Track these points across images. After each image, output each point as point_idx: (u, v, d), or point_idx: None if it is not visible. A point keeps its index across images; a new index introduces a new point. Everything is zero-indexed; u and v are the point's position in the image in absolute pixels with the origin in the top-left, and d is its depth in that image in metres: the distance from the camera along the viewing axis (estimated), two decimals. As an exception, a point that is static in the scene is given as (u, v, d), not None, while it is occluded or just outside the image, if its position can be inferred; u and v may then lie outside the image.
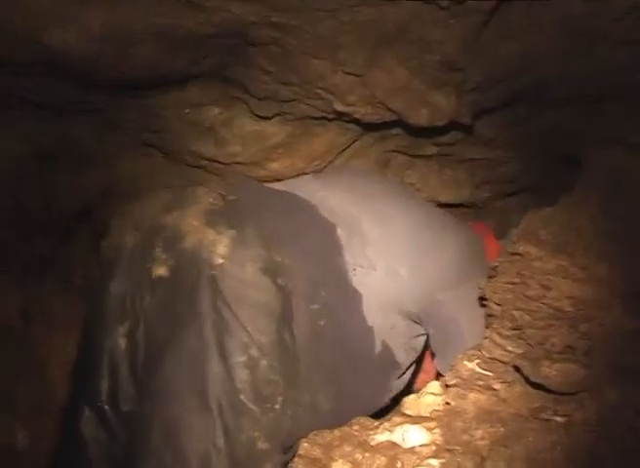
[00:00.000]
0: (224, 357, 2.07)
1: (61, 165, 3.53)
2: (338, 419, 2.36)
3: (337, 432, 2.28)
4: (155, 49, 2.61)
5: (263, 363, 2.11)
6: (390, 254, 2.66)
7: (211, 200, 2.38)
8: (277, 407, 2.13)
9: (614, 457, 1.89)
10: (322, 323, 2.39)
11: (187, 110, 3.27)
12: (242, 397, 2.07)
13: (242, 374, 2.07)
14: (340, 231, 2.60)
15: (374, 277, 2.59)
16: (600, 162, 2.55)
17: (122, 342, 2.22)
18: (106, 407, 2.19)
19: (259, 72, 2.92)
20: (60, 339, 3.28)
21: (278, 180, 3.65)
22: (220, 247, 2.20)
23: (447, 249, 2.81)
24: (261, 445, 2.09)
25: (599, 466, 1.88)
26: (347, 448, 2.17)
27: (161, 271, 2.22)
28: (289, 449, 2.22)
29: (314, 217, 2.62)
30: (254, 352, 2.10)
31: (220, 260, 2.18)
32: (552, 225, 2.36)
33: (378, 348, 2.59)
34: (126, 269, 2.28)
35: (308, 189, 2.82)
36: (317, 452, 2.20)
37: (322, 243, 2.55)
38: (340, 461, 2.13)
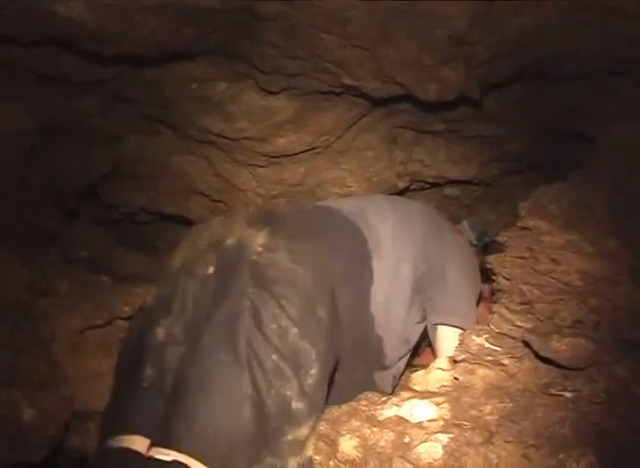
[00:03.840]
0: (258, 324, 2.18)
1: (66, 141, 3.53)
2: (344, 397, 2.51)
3: (344, 407, 2.29)
4: (161, 22, 2.60)
5: (294, 330, 2.21)
6: (388, 237, 2.91)
7: (251, 211, 2.71)
8: (313, 372, 2.20)
9: (622, 432, 1.89)
10: (355, 302, 2.63)
11: (194, 85, 3.26)
12: (274, 357, 2.15)
13: (274, 340, 2.17)
14: (360, 225, 2.82)
15: (385, 263, 2.80)
16: (610, 138, 2.54)
17: (161, 333, 2.38)
18: (150, 391, 2.32)
19: (266, 47, 2.90)
20: (64, 313, 3.28)
21: (285, 156, 3.66)
22: (258, 238, 2.38)
23: (417, 210, 3.15)
24: (296, 404, 2.14)
25: (607, 441, 1.88)
26: (355, 423, 2.17)
27: (209, 270, 2.40)
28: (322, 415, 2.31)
29: (336, 216, 2.86)
30: (284, 322, 2.21)
31: (260, 248, 2.35)
32: (562, 200, 2.35)
33: (373, 336, 2.77)
34: (173, 278, 2.48)
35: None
36: (325, 428, 2.21)
37: (346, 236, 2.79)
38: (348, 436, 2.14)
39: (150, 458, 2.05)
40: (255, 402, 2.09)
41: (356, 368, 2.70)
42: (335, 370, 2.40)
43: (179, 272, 2.49)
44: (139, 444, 2.25)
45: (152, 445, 2.13)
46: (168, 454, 2.01)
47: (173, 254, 2.62)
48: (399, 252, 2.86)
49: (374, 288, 2.74)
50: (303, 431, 2.13)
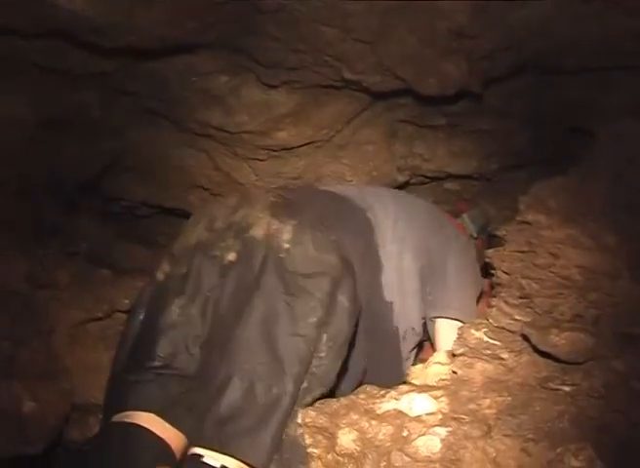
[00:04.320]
0: (295, 321, 2.26)
1: (68, 133, 3.52)
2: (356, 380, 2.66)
3: (343, 400, 2.28)
4: (163, 15, 2.59)
5: (324, 320, 2.29)
6: (391, 228, 2.96)
7: (271, 198, 2.67)
8: (322, 355, 2.29)
9: (621, 426, 1.89)
10: (369, 291, 2.72)
11: (195, 78, 3.25)
12: (311, 349, 2.25)
13: (312, 333, 2.25)
14: (369, 214, 2.92)
15: (390, 254, 2.88)
16: (611, 132, 2.53)
17: (175, 312, 2.43)
18: (162, 370, 2.39)
19: (267, 40, 2.89)
20: (64, 306, 3.29)
21: (285, 150, 3.66)
22: (284, 234, 2.43)
23: (419, 205, 3.23)
24: (304, 385, 2.26)
25: (606, 435, 1.88)
26: (354, 417, 2.17)
27: (230, 257, 2.45)
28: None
29: (346, 203, 2.97)
30: (320, 314, 2.28)
31: (287, 245, 2.40)
32: (562, 194, 2.35)
33: (395, 323, 2.86)
34: (188, 256, 2.52)
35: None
36: (323, 421, 2.20)
37: (360, 224, 2.88)
38: (347, 429, 2.13)
39: (195, 460, 2.11)
40: (294, 397, 2.19)
41: (378, 355, 2.79)
42: (349, 353, 2.47)
43: (193, 251, 2.52)
44: (144, 419, 2.31)
45: (193, 445, 2.18)
46: (216, 459, 2.08)
47: (185, 231, 2.66)
48: (400, 245, 2.90)
49: (384, 277, 2.82)
50: (307, 399, 2.27)
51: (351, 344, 2.46)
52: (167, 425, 2.33)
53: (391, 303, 2.82)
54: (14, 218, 3.26)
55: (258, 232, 2.45)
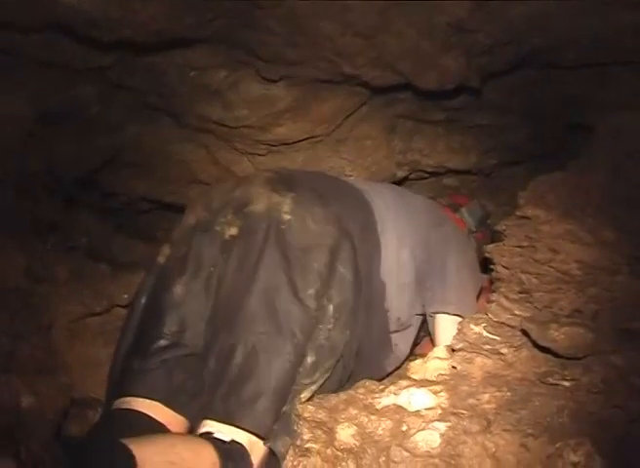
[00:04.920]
0: (295, 292, 2.34)
1: (66, 129, 3.51)
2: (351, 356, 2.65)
3: (342, 395, 2.28)
4: (161, 9, 2.59)
5: (324, 291, 2.39)
6: (391, 220, 2.97)
7: (268, 174, 2.75)
8: (329, 326, 2.39)
9: (620, 421, 1.89)
10: (368, 264, 2.74)
11: (193, 73, 3.25)
12: (313, 321, 2.34)
13: (312, 304, 2.34)
14: (367, 196, 2.93)
15: (390, 241, 2.88)
16: (610, 127, 2.54)
17: (179, 290, 2.50)
18: (167, 354, 2.44)
19: (266, 34, 2.88)
20: (63, 301, 3.28)
21: (285, 144, 3.66)
22: (284, 206, 2.52)
23: (419, 202, 3.22)
24: (309, 359, 2.33)
25: (605, 430, 1.88)
26: (353, 411, 2.17)
27: (232, 231, 2.53)
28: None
29: (345, 183, 3.03)
30: (318, 286, 2.37)
31: (287, 216, 2.48)
32: (561, 189, 2.35)
33: (387, 303, 2.85)
34: (187, 236, 2.61)
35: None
36: (322, 415, 2.20)
37: (359, 200, 2.90)
38: (346, 424, 2.13)
39: (206, 437, 2.15)
40: (294, 366, 2.27)
41: (370, 330, 2.78)
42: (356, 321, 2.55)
43: (192, 231, 2.60)
44: (145, 406, 2.36)
45: (203, 417, 2.24)
46: (226, 433, 2.16)
47: (184, 216, 2.73)
48: (399, 240, 2.90)
49: (382, 257, 2.83)
50: (316, 373, 2.35)
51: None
52: (168, 411, 2.37)
53: (385, 284, 2.83)
54: (13, 214, 3.25)
55: (258, 206, 2.52)
